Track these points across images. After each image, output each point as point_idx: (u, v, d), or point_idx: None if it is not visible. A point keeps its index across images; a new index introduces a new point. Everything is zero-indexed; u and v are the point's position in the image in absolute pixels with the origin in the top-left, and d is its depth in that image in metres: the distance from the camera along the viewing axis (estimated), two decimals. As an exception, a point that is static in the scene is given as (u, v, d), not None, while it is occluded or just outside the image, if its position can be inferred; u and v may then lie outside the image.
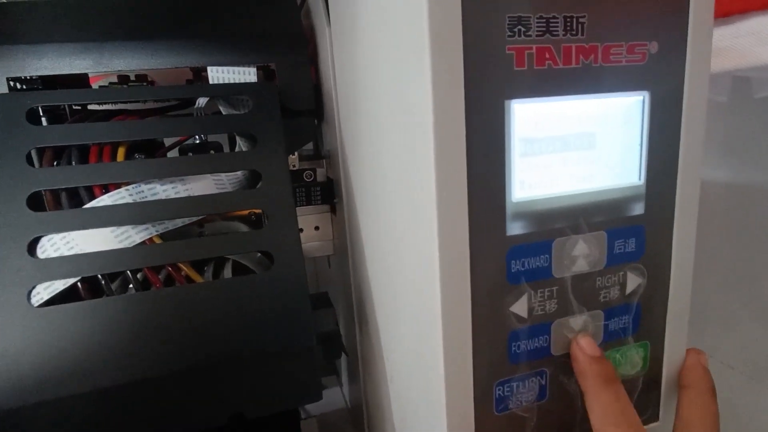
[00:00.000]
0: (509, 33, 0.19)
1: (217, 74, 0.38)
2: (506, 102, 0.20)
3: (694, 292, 0.26)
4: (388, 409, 0.34)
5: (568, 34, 0.20)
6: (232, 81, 0.39)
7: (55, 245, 0.30)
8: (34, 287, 0.29)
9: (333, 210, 0.44)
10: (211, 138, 0.42)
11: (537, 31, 0.19)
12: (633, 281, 0.24)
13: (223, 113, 0.39)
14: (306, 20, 0.42)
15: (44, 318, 0.28)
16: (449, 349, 0.21)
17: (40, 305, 0.29)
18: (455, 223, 0.20)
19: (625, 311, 0.24)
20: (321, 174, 0.44)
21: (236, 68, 0.39)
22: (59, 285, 0.30)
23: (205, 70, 0.39)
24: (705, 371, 0.26)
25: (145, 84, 0.40)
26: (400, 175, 0.24)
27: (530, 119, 0.20)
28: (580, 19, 0.20)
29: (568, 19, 0.20)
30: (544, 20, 0.19)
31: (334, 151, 0.40)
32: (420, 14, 0.18)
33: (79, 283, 0.31)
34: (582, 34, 0.20)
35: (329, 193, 0.43)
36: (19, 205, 0.30)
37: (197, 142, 0.41)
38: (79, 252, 0.30)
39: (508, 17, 0.19)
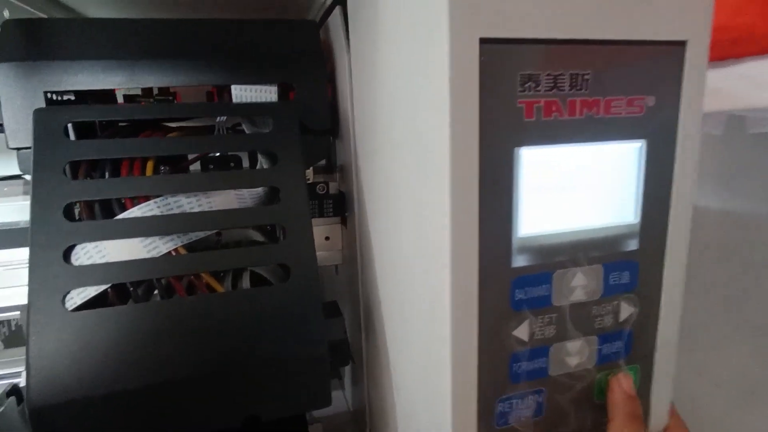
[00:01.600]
0: (521, 88, 0.21)
1: (241, 92, 0.40)
2: (515, 149, 0.22)
3: (687, 313, 0.28)
4: (392, 416, 0.36)
5: (574, 89, 0.22)
6: (254, 99, 0.41)
7: (88, 253, 0.32)
8: (68, 292, 0.31)
9: (343, 221, 0.46)
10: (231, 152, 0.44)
11: (545, 86, 0.22)
12: (626, 310, 0.26)
13: (245, 129, 0.41)
14: (324, 37, 0.44)
15: (77, 321, 0.30)
16: (457, 368, 0.23)
17: (74, 309, 0.31)
18: (467, 255, 0.22)
19: (617, 337, 0.27)
20: (333, 187, 0.45)
21: (259, 86, 0.41)
22: (91, 291, 0.32)
23: (228, 86, 0.41)
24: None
25: (170, 98, 0.42)
26: (414, 207, 0.26)
27: (537, 164, 0.23)
28: (585, 76, 0.22)
29: (574, 76, 0.22)
30: (552, 77, 0.22)
31: (347, 165, 0.42)
32: (442, 70, 0.20)
33: (108, 289, 0.33)
34: (586, 89, 0.22)
35: (341, 205, 0.45)
36: (56, 214, 0.32)
37: (218, 155, 0.43)
38: (111, 260, 0.32)
39: (520, 74, 0.21)
